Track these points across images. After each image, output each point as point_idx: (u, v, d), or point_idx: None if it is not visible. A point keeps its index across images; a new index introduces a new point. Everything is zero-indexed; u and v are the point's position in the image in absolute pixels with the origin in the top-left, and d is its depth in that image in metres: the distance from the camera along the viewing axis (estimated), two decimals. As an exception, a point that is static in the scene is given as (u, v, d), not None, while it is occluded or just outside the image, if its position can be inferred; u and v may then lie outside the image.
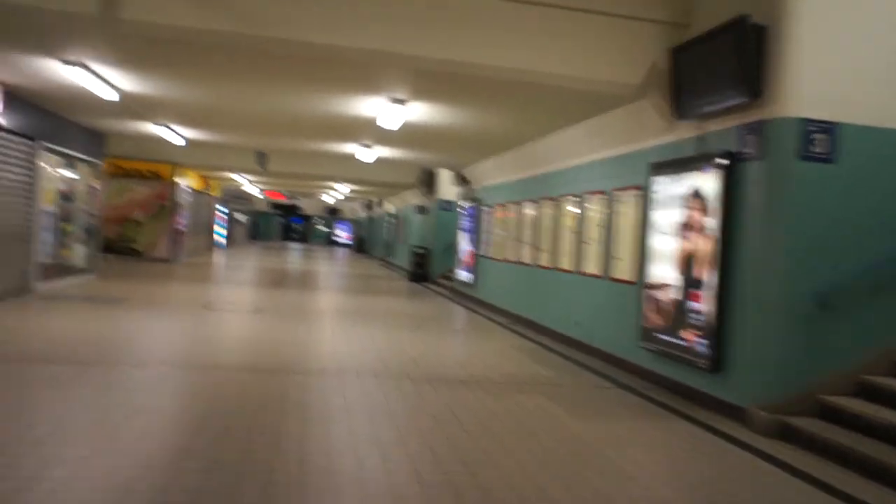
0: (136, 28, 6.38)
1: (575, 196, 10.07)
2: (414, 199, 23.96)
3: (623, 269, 8.27)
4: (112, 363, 6.68)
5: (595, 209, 9.29)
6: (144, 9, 6.08)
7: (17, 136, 10.69)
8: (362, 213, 45.05)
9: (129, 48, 7.54)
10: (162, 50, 7.46)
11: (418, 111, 9.47)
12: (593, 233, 9.28)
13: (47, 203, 11.88)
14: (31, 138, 11.19)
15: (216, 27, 6.23)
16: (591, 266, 9.25)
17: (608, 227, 8.77)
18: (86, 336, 7.98)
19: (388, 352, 8.38)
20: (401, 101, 8.89)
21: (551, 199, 11.07)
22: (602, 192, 9.06)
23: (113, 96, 9.36)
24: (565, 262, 10.26)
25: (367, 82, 8.17)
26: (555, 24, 6.53)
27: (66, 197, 12.68)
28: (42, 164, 11.52)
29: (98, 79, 8.64)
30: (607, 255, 8.74)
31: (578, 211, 9.89)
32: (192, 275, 17.83)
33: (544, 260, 11.20)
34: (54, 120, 11.94)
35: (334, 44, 6.37)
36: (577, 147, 9.82)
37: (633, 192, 8.07)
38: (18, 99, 10.39)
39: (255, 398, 5.67)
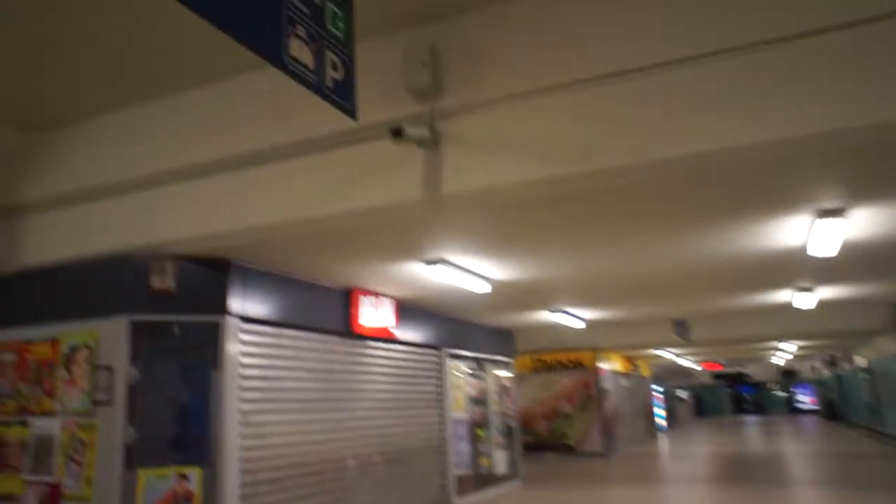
0: (465, 202, 5.36)
1: None
2: (892, 345, 18.70)
3: None
4: None
5: None
6: (464, 177, 5.07)
7: (420, 346, 10.71)
8: (825, 371, 38.17)
9: (475, 228, 6.64)
10: (515, 219, 6.33)
11: (864, 222, 6.57)
12: None
13: (458, 410, 11.53)
14: (434, 347, 11.17)
15: (557, 172, 4.82)
16: None
17: None
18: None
19: None
20: (835, 213, 6.21)
21: None
22: None
23: (485, 288, 8.61)
24: None
25: (780, 193, 5.78)
26: None
27: (477, 401, 12.27)
28: (449, 371, 11.35)
29: (463, 271, 7.97)
30: None
31: None
32: (626, 472, 15.78)
33: None
34: (453, 324, 11.89)
35: (736, 145, 4.36)
36: None
37: None
38: (411, 310, 10.45)
39: None
